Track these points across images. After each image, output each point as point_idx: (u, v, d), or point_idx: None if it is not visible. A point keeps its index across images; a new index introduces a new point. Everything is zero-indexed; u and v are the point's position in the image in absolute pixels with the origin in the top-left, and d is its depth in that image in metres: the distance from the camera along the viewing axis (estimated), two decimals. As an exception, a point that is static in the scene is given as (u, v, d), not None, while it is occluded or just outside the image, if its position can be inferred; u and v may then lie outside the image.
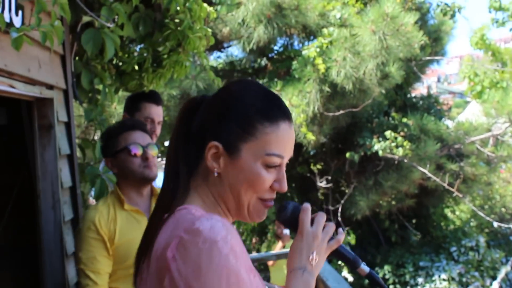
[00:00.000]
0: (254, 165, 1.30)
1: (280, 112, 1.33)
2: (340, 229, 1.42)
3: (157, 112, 3.54)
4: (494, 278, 9.34)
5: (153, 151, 2.75)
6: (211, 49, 10.10)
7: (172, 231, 1.22)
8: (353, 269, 1.45)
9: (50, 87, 2.95)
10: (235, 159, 1.30)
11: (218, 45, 10.00)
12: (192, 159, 1.37)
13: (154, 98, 3.60)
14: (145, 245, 1.33)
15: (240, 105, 1.32)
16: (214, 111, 1.35)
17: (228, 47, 10.34)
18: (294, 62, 8.49)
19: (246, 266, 1.19)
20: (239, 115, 1.31)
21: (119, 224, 2.65)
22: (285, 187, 1.35)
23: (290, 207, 1.43)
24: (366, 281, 9.53)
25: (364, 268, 1.43)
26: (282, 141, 1.32)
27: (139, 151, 2.68)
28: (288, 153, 1.35)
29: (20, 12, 2.28)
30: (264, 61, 10.47)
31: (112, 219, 2.66)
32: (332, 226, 1.40)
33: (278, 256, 6.56)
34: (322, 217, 1.40)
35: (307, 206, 1.40)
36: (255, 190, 1.32)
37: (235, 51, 10.61)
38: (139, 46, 3.72)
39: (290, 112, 1.38)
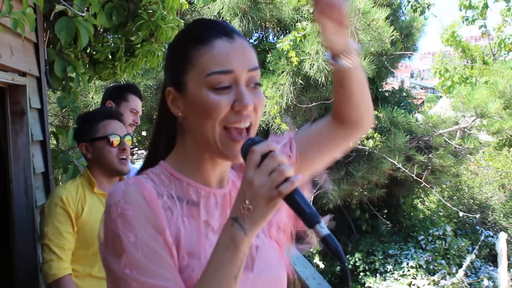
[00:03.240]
0: (200, 92, 1.21)
1: (213, 31, 1.24)
2: (297, 177, 1.10)
3: (140, 106, 3.66)
4: (460, 265, 9.48)
5: (129, 142, 2.80)
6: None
7: None
8: (308, 227, 1.12)
9: (23, 74, 2.95)
10: (186, 94, 1.24)
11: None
12: (165, 126, 1.35)
13: (139, 92, 3.69)
14: None
15: (179, 42, 1.30)
16: (165, 61, 1.35)
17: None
18: (269, 55, 8.52)
19: (144, 231, 1.15)
20: (177, 51, 1.28)
21: (88, 204, 2.68)
22: (246, 102, 1.20)
23: (245, 145, 1.18)
24: (338, 267, 9.65)
25: (321, 230, 1.10)
26: (221, 57, 1.21)
27: (117, 141, 2.72)
28: (238, 66, 1.21)
29: (-9, -1, 2.28)
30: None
31: (81, 198, 2.68)
32: (281, 171, 1.09)
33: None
34: (270, 160, 1.11)
35: (256, 147, 1.13)
36: (212, 117, 1.20)
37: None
38: (112, 36, 3.71)
39: (233, 29, 1.28)
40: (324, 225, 1.10)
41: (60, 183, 3.97)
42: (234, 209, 1.13)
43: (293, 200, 1.11)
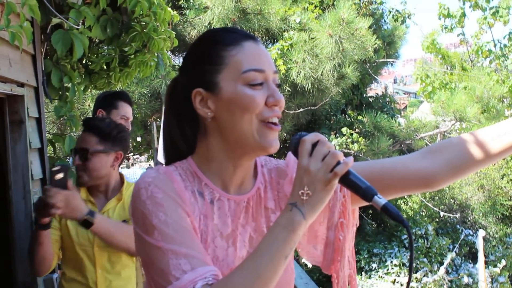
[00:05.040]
0: (237, 88, 1.22)
1: (239, 35, 1.28)
2: (347, 158, 1.15)
3: (130, 112, 3.65)
4: (441, 263, 9.53)
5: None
6: (180, 50, 10.08)
7: None
8: (366, 201, 1.16)
9: (21, 84, 2.95)
10: (219, 94, 1.24)
11: (187, 47, 9.98)
12: (188, 126, 1.32)
13: (128, 99, 3.68)
14: None
15: (202, 46, 1.29)
16: (186, 66, 1.32)
17: (196, 49, 10.33)
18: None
19: (173, 211, 1.18)
20: (204, 54, 1.27)
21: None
22: (279, 97, 1.24)
23: (294, 139, 1.24)
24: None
25: (379, 200, 1.14)
26: (253, 57, 1.25)
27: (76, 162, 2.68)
28: (267, 67, 1.26)
29: (-11, 14, 2.28)
30: (230, 62, 10.48)
31: None
32: (333, 155, 1.14)
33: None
34: (321, 146, 1.16)
35: (306, 138, 1.18)
36: (250, 110, 1.22)
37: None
38: (106, 47, 3.72)
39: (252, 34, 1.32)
40: (381, 196, 1.15)
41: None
42: (292, 196, 1.16)
43: (348, 179, 1.16)
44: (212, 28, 1.53)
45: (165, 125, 1.38)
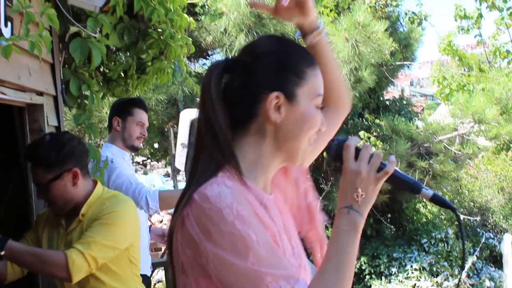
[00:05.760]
0: (310, 107, 1.32)
1: (313, 57, 1.40)
2: (391, 157, 1.29)
3: (146, 118, 3.69)
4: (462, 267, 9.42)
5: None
6: (196, 56, 10.12)
7: (191, 187, 1.24)
8: (415, 194, 1.30)
9: (40, 93, 2.98)
10: (295, 105, 1.31)
11: (203, 53, 10.03)
12: (237, 120, 1.33)
13: (144, 105, 3.71)
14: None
15: (286, 55, 1.34)
16: (261, 66, 1.33)
17: (212, 54, 10.36)
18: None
19: (259, 228, 1.17)
20: (290, 63, 1.32)
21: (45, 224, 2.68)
22: (326, 125, 1.37)
23: (334, 145, 1.35)
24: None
25: (427, 192, 1.28)
26: (321, 83, 1.37)
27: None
28: (323, 92, 1.38)
29: (9, 24, 2.30)
30: (245, 68, 10.49)
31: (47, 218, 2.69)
32: (378, 155, 1.27)
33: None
34: (366, 149, 1.28)
35: (349, 143, 1.29)
36: (313, 130, 1.33)
37: (219, 58, 10.63)
38: (124, 54, 3.74)
39: None
40: (428, 188, 1.29)
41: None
42: (344, 199, 1.26)
43: (395, 177, 1.29)
44: (283, 36, 1.55)
45: (205, 121, 1.31)
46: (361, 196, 1.24)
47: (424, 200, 12.03)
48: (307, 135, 1.32)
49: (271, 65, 1.32)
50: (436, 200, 1.27)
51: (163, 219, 10.92)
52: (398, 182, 1.30)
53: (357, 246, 1.25)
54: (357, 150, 1.28)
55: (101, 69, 3.65)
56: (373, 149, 1.27)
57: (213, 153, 1.28)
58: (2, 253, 2.28)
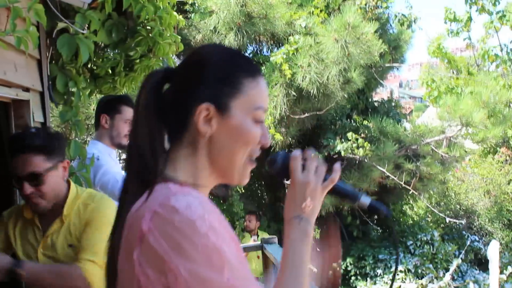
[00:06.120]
0: (246, 121, 1.24)
1: (256, 68, 1.30)
2: (336, 165, 1.34)
3: None
4: (447, 269, 9.48)
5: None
6: (185, 55, 10.06)
7: (144, 202, 1.13)
8: (353, 204, 1.36)
9: (26, 89, 2.95)
10: (227, 118, 1.22)
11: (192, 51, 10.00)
12: (174, 131, 1.26)
13: (132, 103, 3.66)
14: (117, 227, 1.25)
15: (223, 65, 1.26)
16: (195, 75, 1.25)
17: (201, 53, 10.34)
18: (263, 68, 8.55)
19: (228, 239, 1.09)
20: (225, 74, 1.24)
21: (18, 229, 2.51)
22: (269, 141, 1.31)
23: (279, 158, 1.36)
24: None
25: (364, 200, 1.35)
26: (264, 95, 1.29)
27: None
28: (267, 106, 1.31)
29: (-5, 19, 2.29)
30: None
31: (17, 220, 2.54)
32: (323, 167, 1.32)
33: (247, 249, 6.49)
34: (312, 161, 1.32)
35: (296, 154, 1.33)
36: (249, 145, 1.25)
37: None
38: (112, 51, 3.72)
39: None
40: (365, 196, 1.35)
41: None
42: (293, 210, 1.31)
43: (336, 186, 1.35)
44: (227, 47, 1.48)
45: (140, 127, 1.25)
46: (309, 206, 1.30)
47: (411, 202, 12.13)
48: (243, 150, 1.25)
49: (206, 75, 1.24)
50: (372, 208, 1.34)
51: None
52: (338, 191, 1.37)
53: (310, 253, 1.29)
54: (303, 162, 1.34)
55: (89, 66, 3.63)
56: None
57: (140, 171, 1.22)
58: (24, 272, 2.20)
